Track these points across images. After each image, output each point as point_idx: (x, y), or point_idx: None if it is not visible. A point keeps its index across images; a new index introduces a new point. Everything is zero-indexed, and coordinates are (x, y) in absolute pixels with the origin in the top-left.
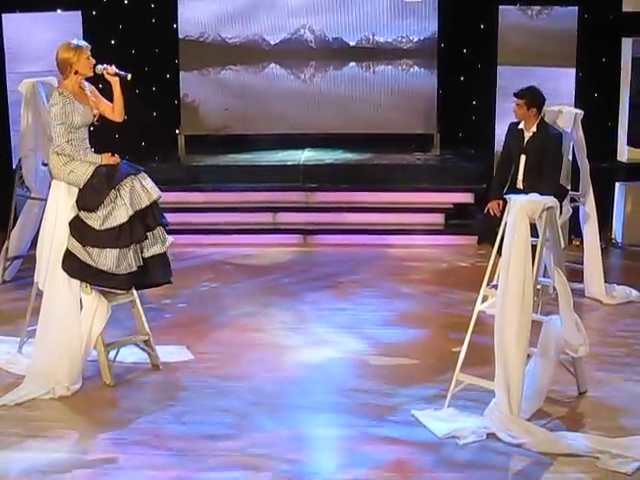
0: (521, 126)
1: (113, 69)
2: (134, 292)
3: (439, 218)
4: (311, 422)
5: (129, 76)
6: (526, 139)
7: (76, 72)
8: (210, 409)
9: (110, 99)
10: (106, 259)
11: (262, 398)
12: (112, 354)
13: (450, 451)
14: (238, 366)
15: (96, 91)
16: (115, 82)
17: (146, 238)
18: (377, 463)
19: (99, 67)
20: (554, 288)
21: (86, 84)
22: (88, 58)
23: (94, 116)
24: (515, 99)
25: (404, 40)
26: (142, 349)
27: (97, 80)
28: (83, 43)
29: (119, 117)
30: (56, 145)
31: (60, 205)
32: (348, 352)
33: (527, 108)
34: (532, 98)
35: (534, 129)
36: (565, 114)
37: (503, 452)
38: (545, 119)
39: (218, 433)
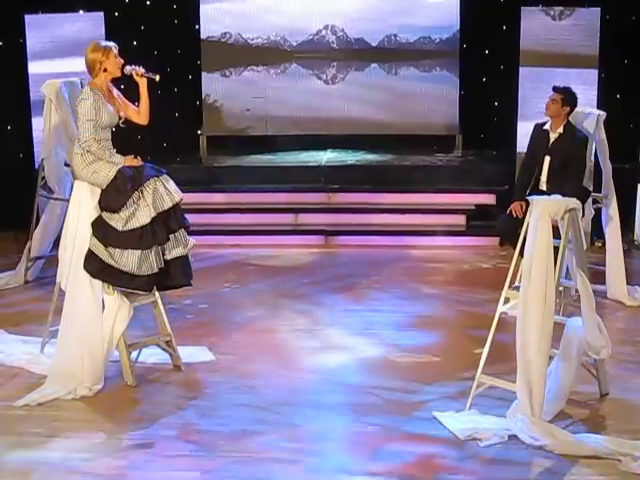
0: (546, 127)
1: (141, 70)
2: (156, 293)
3: (461, 219)
4: (332, 420)
5: (157, 77)
6: (551, 140)
7: (105, 70)
8: (232, 410)
9: (133, 101)
10: (128, 260)
11: (283, 398)
12: (134, 355)
13: (473, 449)
14: (260, 368)
15: (122, 96)
16: (143, 83)
17: (168, 240)
18: (401, 459)
19: (128, 68)
20: (576, 290)
21: (113, 88)
22: (116, 57)
23: (120, 118)
24: (552, 93)
25: (426, 41)
26: (164, 350)
27: (119, 82)
28: (111, 43)
29: (145, 119)
30: (83, 141)
31: (82, 205)
32: (370, 352)
33: (562, 105)
34: (570, 96)
35: (560, 130)
36: (587, 115)
37: (525, 451)
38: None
39: (239, 432)
